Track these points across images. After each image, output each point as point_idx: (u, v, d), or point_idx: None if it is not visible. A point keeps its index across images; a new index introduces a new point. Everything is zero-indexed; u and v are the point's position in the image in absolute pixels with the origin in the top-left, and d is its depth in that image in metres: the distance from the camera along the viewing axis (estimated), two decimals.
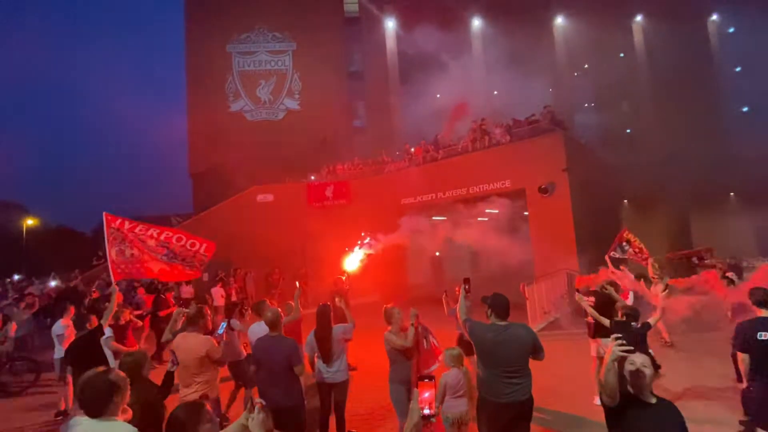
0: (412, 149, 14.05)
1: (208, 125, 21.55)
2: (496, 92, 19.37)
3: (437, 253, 16.88)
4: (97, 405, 1.62)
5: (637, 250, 6.10)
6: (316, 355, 3.40)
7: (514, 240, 13.59)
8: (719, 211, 16.37)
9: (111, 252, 3.61)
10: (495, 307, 2.69)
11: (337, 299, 3.78)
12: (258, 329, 3.67)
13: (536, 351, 2.65)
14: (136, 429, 1.62)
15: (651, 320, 3.59)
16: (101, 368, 1.74)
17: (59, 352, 4.81)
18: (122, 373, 1.76)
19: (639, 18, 21.07)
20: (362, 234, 6.56)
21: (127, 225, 3.75)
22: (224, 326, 3.44)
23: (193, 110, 22.38)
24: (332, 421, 3.42)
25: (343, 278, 5.69)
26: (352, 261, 6.13)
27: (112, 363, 3.98)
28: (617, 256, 6.34)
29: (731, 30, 21.73)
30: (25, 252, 24.79)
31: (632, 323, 3.49)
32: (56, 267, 16.15)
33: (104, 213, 3.74)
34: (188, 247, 3.91)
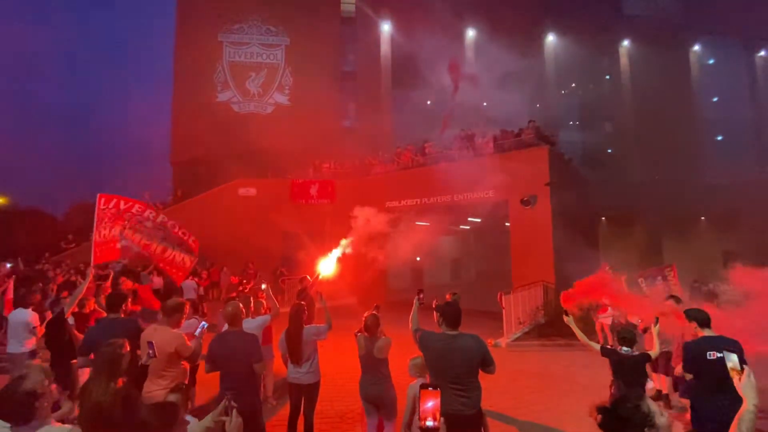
0: (400, 150, 14.07)
1: (193, 113, 21.04)
2: (485, 103, 19.67)
3: (418, 259, 16.96)
4: (21, 416, 1.58)
5: (672, 283, 6.07)
6: (287, 355, 3.32)
7: (495, 250, 13.82)
8: (689, 234, 17.03)
9: (97, 235, 3.47)
10: (446, 316, 2.62)
11: (318, 301, 3.69)
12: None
13: (485, 363, 2.58)
14: (70, 427, 1.54)
15: (652, 353, 3.26)
16: (15, 378, 1.69)
17: (21, 345, 4.47)
18: (38, 375, 1.68)
19: (626, 42, 21.77)
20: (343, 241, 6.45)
21: (123, 204, 3.63)
22: (204, 326, 3.32)
23: (179, 97, 21.84)
24: (301, 423, 3.34)
25: (311, 278, 5.60)
26: (327, 264, 6.03)
27: None
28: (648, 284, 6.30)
29: (711, 61, 22.74)
30: None
31: (625, 348, 3.16)
32: (25, 250, 15.41)
33: (99, 194, 3.61)
34: (180, 234, 3.82)
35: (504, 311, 7.64)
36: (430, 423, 1.30)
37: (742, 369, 1.54)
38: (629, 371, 3.10)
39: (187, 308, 3.26)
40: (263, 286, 3.82)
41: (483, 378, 2.62)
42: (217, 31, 22.31)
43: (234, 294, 4.96)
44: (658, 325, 3.34)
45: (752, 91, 22.55)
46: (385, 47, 22.19)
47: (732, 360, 1.62)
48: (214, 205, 14.09)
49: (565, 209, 10.06)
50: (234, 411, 1.59)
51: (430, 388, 1.33)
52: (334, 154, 17.60)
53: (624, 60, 21.90)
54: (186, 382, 2.94)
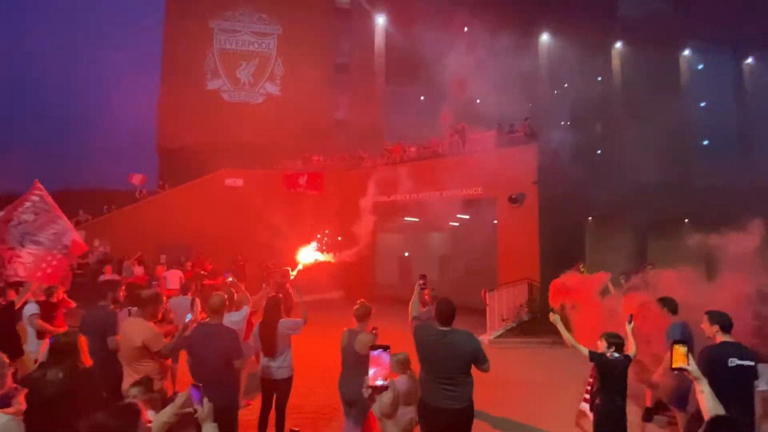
0: (390, 146, 14.00)
1: (181, 100, 20.60)
2: (478, 100, 19.64)
3: (406, 254, 16.94)
4: None
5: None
6: (260, 349, 3.23)
7: (483, 246, 13.86)
8: (674, 235, 17.29)
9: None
10: (438, 313, 2.63)
11: (294, 293, 3.59)
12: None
13: (478, 361, 2.56)
14: (10, 416, 1.43)
15: (631, 353, 3.12)
16: None
17: None
18: None
19: (618, 44, 21.90)
20: (319, 235, 6.36)
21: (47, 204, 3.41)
22: (189, 318, 3.18)
23: (167, 83, 21.34)
24: (272, 419, 3.26)
25: (291, 271, 5.49)
26: (306, 257, 5.92)
27: (35, 342, 3.64)
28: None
29: (700, 66, 23.03)
30: None
31: (615, 354, 2.98)
32: None
33: (36, 180, 3.41)
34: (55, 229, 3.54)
35: (488, 308, 7.65)
36: (380, 382, 1.30)
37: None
38: (618, 378, 2.94)
39: (165, 300, 3.13)
40: (229, 279, 3.72)
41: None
42: (208, 17, 21.84)
43: (208, 283, 4.82)
44: (632, 324, 3.27)
45: (739, 97, 22.94)
46: (379, 40, 21.97)
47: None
48: (199, 194, 13.85)
49: (552, 208, 10.11)
50: (205, 399, 1.50)
51: (380, 350, 1.31)
52: (324, 147, 17.43)
53: (616, 62, 22.07)
54: (159, 377, 2.82)
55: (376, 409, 1.30)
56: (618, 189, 16.39)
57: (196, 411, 1.49)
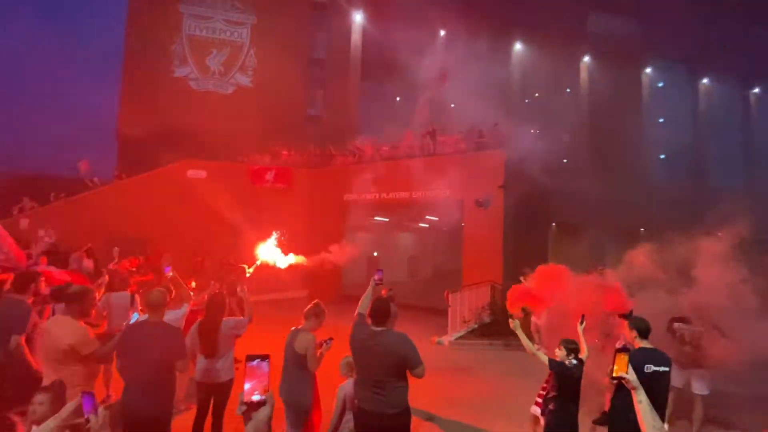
0: (361, 144, 13.86)
1: (145, 86, 19.61)
2: (452, 105, 19.86)
3: (375, 254, 16.84)
4: None
5: None
6: (197, 350, 2.99)
7: (450, 248, 13.97)
8: (629, 243, 18.09)
9: None
10: (372, 312, 2.51)
11: (238, 289, 3.40)
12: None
13: (410, 365, 2.40)
14: None
15: (583, 356, 3.05)
16: None
17: None
18: None
19: (587, 59, 22.76)
20: (275, 233, 6.15)
21: None
22: (137, 316, 2.89)
23: (130, 67, 20.24)
24: (208, 426, 3.03)
25: (247, 269, 5.26)
26: (265, 253, 5.70)
27: None
28: None
29: (660, 84, 24.32)
30: None
31: (573, 360, 2.90)
32: None
33: None
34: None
35: (450, 309, 7.66)
36: (256, 397, 1.19)
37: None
38: (574, 385, 2.87)
39: (96, 296, 2.82)
40: (169, 273, 3.45)
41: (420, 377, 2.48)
42: (178, 0, 20.91)
43: (134, 281, 4.43)
44: (584, 324, 3.26)
45: (694, 115, 24.40)
46: (356, 37, 21.73)
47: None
48: (158, 186, 13.17)
49: (517, 213, 10.29)
50: (100, 407, 1.31)
51: (257, 360, 1.17)
52: (296, 142, 17.03)
53: (584, 75, 22.91)
54: (83, 383, 2.52)
55: (250, 428, 1.16)
56: (581, 197, 17.04)
57: (88, 421, 1.30)
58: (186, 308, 3.24)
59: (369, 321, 2.52)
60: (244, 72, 21.63)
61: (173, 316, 3.02)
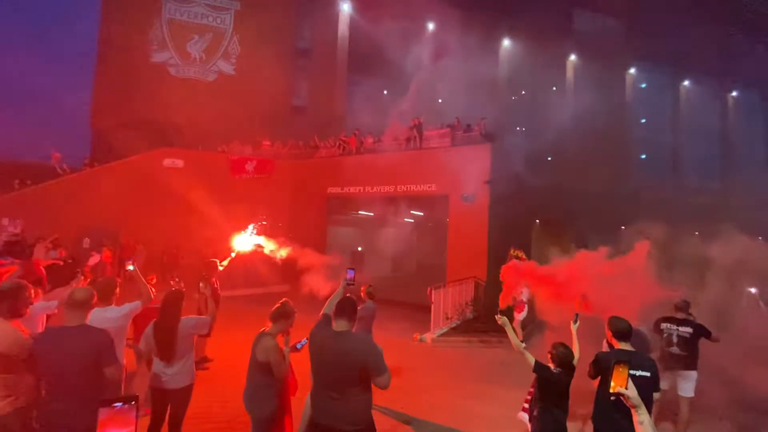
0: (345, 137, 13.54)
1: (121, 72, 18.77)
2: (440, 100, 19.69)
3: (359, 249, 16.59)
4: None
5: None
6: (153, 353, 2.69)
7: (435, 244, 13.84)
8: (611, 240, 18.35)
9: None
10: (336, 311, 2.24)
11: (201, 285, 3.10)
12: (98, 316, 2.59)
13: (373, 373, 2.11)
14: None
15: (575, 358, 2.82)
16: None
17: None
18: None
19: (573, 57, 22.88)
20: (259, 222, 5.89)
21: None
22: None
23: (105, 50, 19.33)
24: None
25: (220, 263, 4.96)
26: (242, 244, 5.43)
27: None
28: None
29: (643, 85, 24.69)
30: None
31: (558, 368, 2.69)
32: None
33: None
34: None
35: (433, 306, 7.49)
36: None
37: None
38: (559, 393, 2.67)
39: (31, 292, 2.46)
40: (130, 267, 3.12)
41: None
42: None
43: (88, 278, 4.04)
44: (578, 323, 3.09)
45: (674, 116, 24.89)
46: (343, 28, 21.31)
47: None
48: (132, 174, 12.60)
49: (502, 209, 10.19)
50: None
51: (119, 404, 0.93)
52: (280, 133, 16.56)
53: (570, 73, 23.04)
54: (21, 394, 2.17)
55: None
56: (564, 194, 17.14)
57: None
58: (129, 307, 2.83)
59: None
60: (227, 59, 20.94)
61: (114, 314, 2.69)
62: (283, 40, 21.32)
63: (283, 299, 2.66)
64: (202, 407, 3.81)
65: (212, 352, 5.22)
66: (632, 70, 24.30)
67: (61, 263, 8.41)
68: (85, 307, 2.22)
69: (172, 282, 3.94)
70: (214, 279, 5.09)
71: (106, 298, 2.66)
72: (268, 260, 7.76)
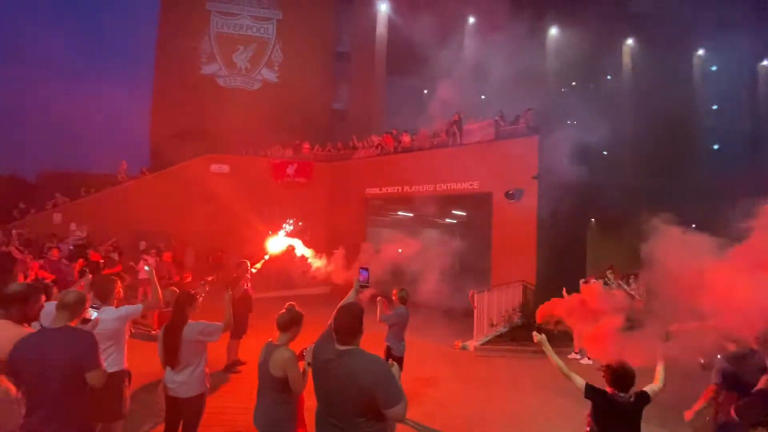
0: (378, 138, 13.33)
1: (175, 85, 20.04)
2: (483, 96, 18.93)
3: (399, 251, 16.24)
4: None
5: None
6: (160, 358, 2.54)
7: (479, 245, 13.20)
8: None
9: None
10: (335, 324, 1.86)
11: (227, 293, 2.87)
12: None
13: (383, 401, 1.70)
14: None
15: (650, 389, 2.31)
16: None
17: None
18: None
19: (630, 41, 21.08)
20: (290, 221, 5.76)
21: None
22: (95, 315, 2.44)
23: (161, 67, 20.75)
24: None
25: (252, 266, 4.83)
26: (275, 245, 5.30)
27: None
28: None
29: (714, 68, 22.17)
30: None
31: (621, 393, 2.22)
32: None
33: None
34: None
35: (476, 311, 6.98)
36: None
37: None
38: (628, 425, 2.18)
39: (44, 297, 2.34)
40: (146, 268, 3.00)
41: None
42: None
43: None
44: (669, 340, 2.47)
45: (752, 101, 22.08)
46: (381, 28, 21.22)
47: None
48: (182, 180, 13.20)
49: (552, 206, 9.40)
50: None
51: None
52: (321, 137, 16.75)
53: (626, 59, 21.24)
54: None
55: None
56: (623, 191, 15.67)
57: None
58: (128, 309, 2.68)
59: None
60: (271, 67, 21.63)
61: (108, 315, 2.52)
62: (323, 45, 21.68)
63: (288, 303, 2.40)
64: (228, 413, 3.67)
65: (245, 355, 5.14)
66: (700, 52, 21.91)
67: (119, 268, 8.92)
68: (73, 309, 2.08)
69: (202, 282, 3.84)
70: (244, 281, 5.00)
71: (104, 298, 2.56)
72: (304, 263, 7.65)
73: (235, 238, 12.54)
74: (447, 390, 4.89)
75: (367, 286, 2.40)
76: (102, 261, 9.08)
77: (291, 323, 2.31)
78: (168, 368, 2.51)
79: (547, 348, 2.42)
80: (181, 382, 2.50)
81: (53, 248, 6.96)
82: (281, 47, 21.72)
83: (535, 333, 2.52)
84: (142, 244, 12.61)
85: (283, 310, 2.36)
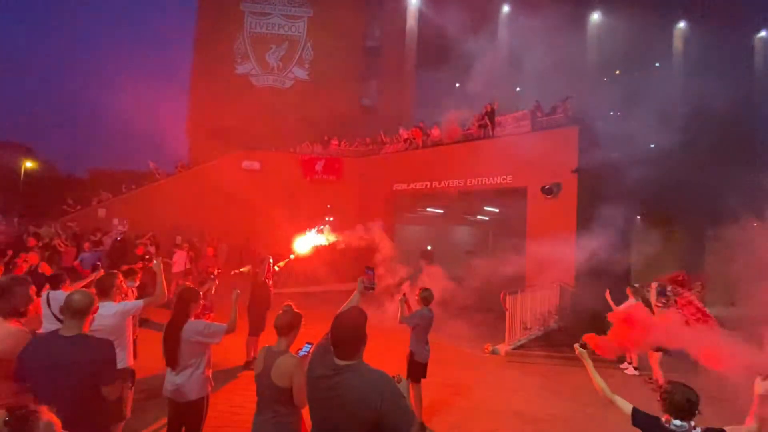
0: (405, 132, 12.99)
1: (211, 84, 20.64)
2: (518, 89, 18.11)
3: (429, 248, 15.88)
4: None
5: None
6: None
7: (512, 242, 12.60)
8: (737, 242, 15.07)
9: None
10: (333, 335, 1.58)
11: (234, 293, 2.68)
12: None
13: (389, 426, 1.43)
14: None
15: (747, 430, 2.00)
16: None
17: None
18: None
19: (682, 24, 19.42)
20: (326, 218, 5.69)
21: None
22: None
23: (198, 67, 21.47)
24: None
25: (276, 264, 4.69)
26: (304, 244, 5.19)
27: None
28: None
29: None
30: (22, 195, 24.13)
31: (677, 422, 1.84)
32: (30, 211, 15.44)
33: None
34: None
35: (508, 313, 6.55)
36: None
37: None
38: None
39: (32, 289, 2.19)
40: (155, 262, 2.87)
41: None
42: (239, 0, 21.64)
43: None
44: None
45: None
46: (411, 22, 20.85)
47: None
48: (215, 177, 13.48)
49: (593, 202, 8.72)
50: None
51: None
52: (352, 133, 16.67)
53: (678, 44, 19.59)
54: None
55: None
56: (673, 185, 14.42)
57: None
58: (128, 305, 2.55)
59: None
60: (302, 65, 21.80)
61: (107, 310, 2.37)
62: (353, 41, 21.60)
63: (285, 304, 2.17)
64: (241, 414, 3.54)
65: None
66: (762, 33, 19.84)
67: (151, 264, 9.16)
68: (84, 314, 1.90)
69: (212, 276, 3.73)
70: (265, 277, 4.88)
71: (104, 293, 2.44)
72: (337, 258, 7.51)
73: (266, 233, 12.69)
74: (473, 398, 4.55)
75: (373, 288, 2.13)
76: (146, 255, 9.48)
77: (291, 326, 2.08)
78: (168, 369, 2.37)
79: (590, 366, 2.05)
80: (180, 384, 2.35)
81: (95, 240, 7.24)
82: (312, 45, 21.84)
83: (576, 346, 2.13)
84: (178, 239, 13.04)
85: (281, 312, 2.14)
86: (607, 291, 6.04)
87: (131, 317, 2.60)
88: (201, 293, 2.50)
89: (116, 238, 12.13)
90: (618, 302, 5.89)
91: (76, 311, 1.87)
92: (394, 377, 1.58)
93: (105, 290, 2.52)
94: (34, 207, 18.91)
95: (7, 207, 17.93)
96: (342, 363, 1.52)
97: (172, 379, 2.38)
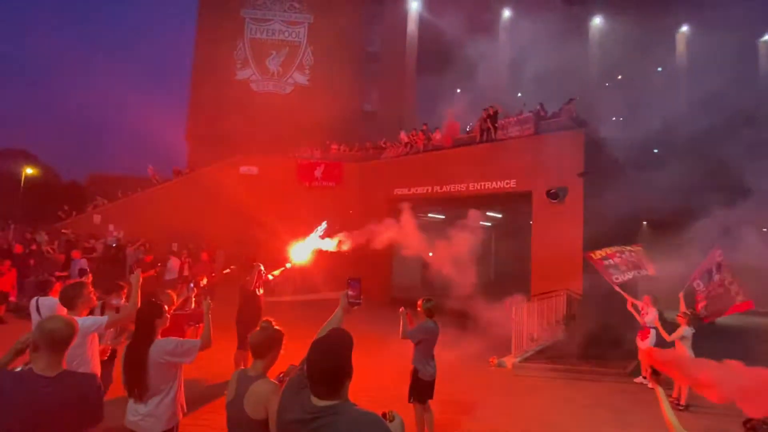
0: (405, 136, 12.75)
1: (211, 90, 20.53)
2: (520, 94, 17.92)
3: (430, 254, 15.54)
4: None
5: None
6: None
7: (516, 249, 12.28)
8: (747, 249, 14.73)
9: None
10: (309, 369, 1.25)
11: (205, 303, 2.38)
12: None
13: None
14: None
15: None
16: None
17: None
18: None
19: (684, 28, 19.28)
20: (323, 223, 5.40)
21: None
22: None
23: (198, 72, 21.39)
24: None
25: (270, 273, 4.40)
26: (301, 252, 4.91)
27: None
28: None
29: None
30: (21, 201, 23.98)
31: None
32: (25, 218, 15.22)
33: None
34: None
35: (513, 323, 6.22)
36: None
37: None
38: None
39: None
40: (134, 273, 2.55)
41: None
42: (240, 6, 21.60)
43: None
44: None
45: None
46: (411, 27, 20.79)
47: None
48: (212, 182, 13.24)
49: (600, 207, 8.43)
50: None
51: None
52: (350, 138, 16.46)
53: (681, 48, 19.44)
54: None
55: None
56: (680, 192, 14.14)
57: None
58: (90, 321, 2.29)
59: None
60: (302, 71, 21.69)
61: (85, 321, 2.13)
62: (353, 46, 21.52)
63: (264, 320, 1.87)
64: None
65: None
66: (767, 37, 19.71)
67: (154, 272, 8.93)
68: (65, 346, 1.56)
69: (191, 285, 3.43)
70: (255, 286, 4.59)
71: (69, 304, 2.15)
72: (336, 266, 7.23)
73: (263, 240, 12.40)
74: (481, 417, 4.22)
75: (358, 303, 1.83)
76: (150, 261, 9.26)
77: (270, 346, 1.78)
78: (129, 399, 2.03)
79: (664, 401, 1.76)
80: (145, 414, 2.02)
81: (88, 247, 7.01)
82: (312, 50, 21.75)
83: (651, 376, 1.87)
84: (174, 245, 12.77)
85: (257, 329, 1.83)
86: (629, 301, 5.71)
87: (96, 335, 2.30)
88: (165, 307, 2.18)
89: (111, 245, 11.88)
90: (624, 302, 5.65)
91: (56, 342, 1.52)
92: (385, 415, 1.28)
93: (69, 300, 2.23)
94: (32, 213, 18.76)
95: (6, 213, 17.79)
96: (322, 404, 1.21)
97: (134, 409, 2.04)
